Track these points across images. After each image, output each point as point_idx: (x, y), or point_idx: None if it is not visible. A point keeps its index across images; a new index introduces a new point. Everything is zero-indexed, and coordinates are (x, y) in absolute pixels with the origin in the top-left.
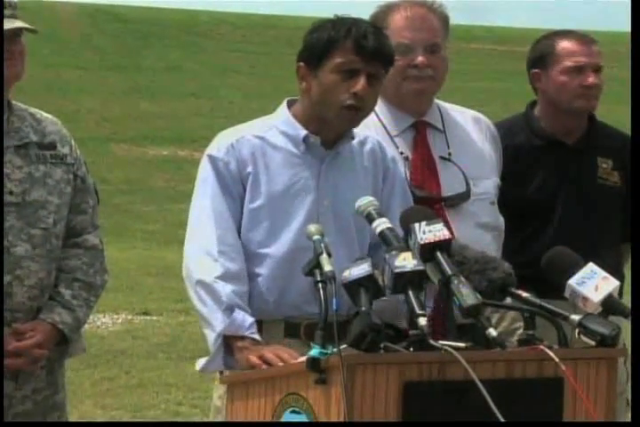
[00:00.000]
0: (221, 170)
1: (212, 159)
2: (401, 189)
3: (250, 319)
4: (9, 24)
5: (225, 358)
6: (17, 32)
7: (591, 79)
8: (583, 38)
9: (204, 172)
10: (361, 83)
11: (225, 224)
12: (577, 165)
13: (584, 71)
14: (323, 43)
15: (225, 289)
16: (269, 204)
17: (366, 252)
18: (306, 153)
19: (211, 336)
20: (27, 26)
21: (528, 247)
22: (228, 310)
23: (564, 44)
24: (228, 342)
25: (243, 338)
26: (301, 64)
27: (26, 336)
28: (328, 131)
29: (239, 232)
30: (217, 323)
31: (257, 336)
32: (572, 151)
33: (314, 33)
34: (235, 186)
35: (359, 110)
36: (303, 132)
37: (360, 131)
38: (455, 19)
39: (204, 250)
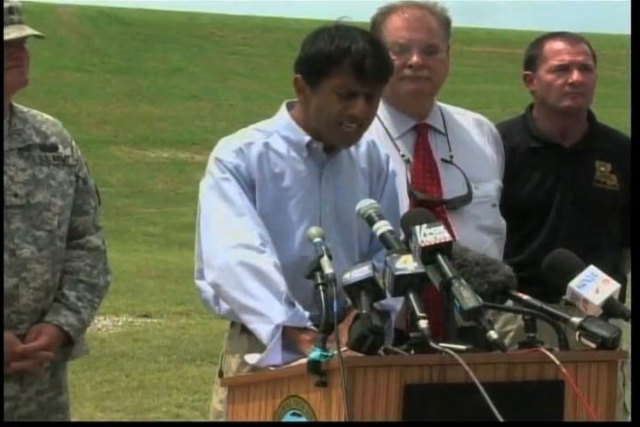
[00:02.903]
0: (234, 172)
1: (223, 163)
2: (390, 188)
3: (306, 312)
4: (19, 31)
5: (283, 353)
6: (24, 38)
7: (575, 77)
8: (570, 38)
9: (217, 174)
10: (359, 105)
11: (257, 220)
12: (573, 168)
13: (569, 70)
14: (321, 60)
15: (282, 280)
16: (275, 211)
17: (366, 256)
18: (308, 159)
19: (266, 328)
20: (36, 33)
21: (522, 249)
22: (289, 301)
23: (551, 45)
24: (286, 335)
25: (305, 330)
26: (299, 76)
27: (32, 338)
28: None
29: None
30: (274, 314)
31: (314, 328)
32: (568, 153)
33: (312, 44)
34: (247, 188)
35: (357, 131)
36: (307, 137)
37: None
38: (455, 21)
39: (239, 244)
